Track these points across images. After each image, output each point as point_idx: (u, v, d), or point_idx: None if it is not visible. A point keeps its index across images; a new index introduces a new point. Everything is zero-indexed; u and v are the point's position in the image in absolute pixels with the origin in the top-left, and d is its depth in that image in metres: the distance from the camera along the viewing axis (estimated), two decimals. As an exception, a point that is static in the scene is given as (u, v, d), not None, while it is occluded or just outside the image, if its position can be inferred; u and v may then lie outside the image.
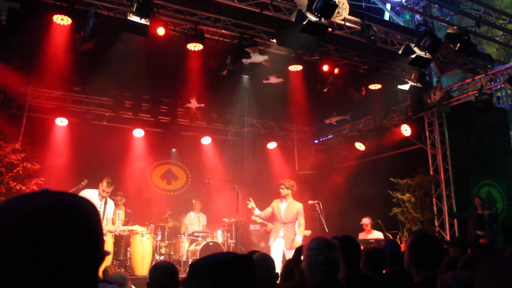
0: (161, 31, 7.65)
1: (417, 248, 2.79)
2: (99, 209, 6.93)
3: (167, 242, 10.16)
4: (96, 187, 8.61)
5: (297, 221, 8.45)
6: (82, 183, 7.89)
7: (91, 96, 10.98)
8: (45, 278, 0.87)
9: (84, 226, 0.94)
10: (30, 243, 0.86)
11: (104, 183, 7.91)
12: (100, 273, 5.45)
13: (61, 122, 10.70)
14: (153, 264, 4.08)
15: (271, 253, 8.06)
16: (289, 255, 8.00)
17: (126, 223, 9.70)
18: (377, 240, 8.55)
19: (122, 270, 8.75)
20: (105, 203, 8.03)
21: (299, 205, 8.54)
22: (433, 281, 2.64)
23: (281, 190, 8.54)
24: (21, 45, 7.94)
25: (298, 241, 8.22)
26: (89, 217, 0.97)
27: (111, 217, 8.28)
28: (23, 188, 8.89)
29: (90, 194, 7.77)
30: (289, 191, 8.51)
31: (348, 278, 3.40)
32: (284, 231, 8.35)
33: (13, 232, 0.87)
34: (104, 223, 7.95)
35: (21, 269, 0.85)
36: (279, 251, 8.29)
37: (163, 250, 10.07)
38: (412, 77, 9.29)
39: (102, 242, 1.00)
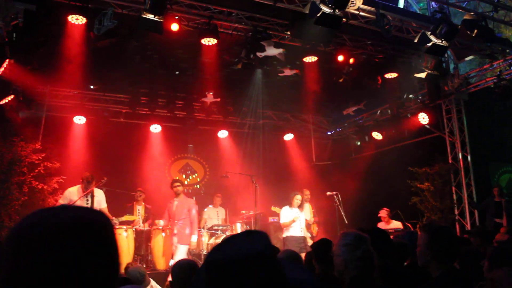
0: (175, 27, 7.65)
1: (438, 243, 2.79)
2: (86, 204, 7.00)
3: (187, 236, 10.24)
4: (115, 184, 8.71)
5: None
6: (102, 181, 7.96)
7: (108, 93, 11.10)
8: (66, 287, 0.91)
9: (102, 239, 1.00)
10: (52, 255, 0.91)
11: (85, 182, 7.91)
12: (122, 270, 5.52)
13: (79, 120, 10.83)
14: (176, 262, 4.11)
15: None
16: (183, 249, 8.26)
17: (146, 219, 9.81)
18: (396, 230, 8.51)
19: (143, 265, 8.87)
20: (92, 196, 7.96)
21: (190, 201, 8.72)
22: (453, 273, 2.64)
23: (178, 188, 8.62)
24: (37, 46, 8.03)
25: (193, 240, 8.52)
26: (106, 230, 1.02)
27: (105, 206, 8.24)
28: (45, 187, 9.05)
29: (71, 192, 7.84)
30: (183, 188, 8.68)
31: (380, 270, 3.43)
32: (177, 228, 8.48)
33: (37, 246, 0.91)
34: None
35: (44, 280, 0.90)
36: (174, 247, 8.49)
37: (183, 245, 10.16)
38: (429, 65, 9.16)
39: (118, 253, 1.04)
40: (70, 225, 0.95)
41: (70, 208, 1.02)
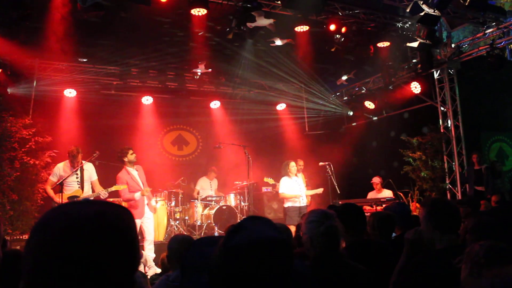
0: (163, -3, 7.50)
1: (437, 215, 2.81)
2: (76, 180, 6.90)
3: (181, 207, 10.36)
4: (108, 157, 8.68)
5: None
6: (94, 154, 7.92)
7: (98, 65, 10.95)
8: (89, 281, 0.95)
9: (123, 233, 1.03)
10: (76, 248, 0.94)
11: (71, 156, 7.68)
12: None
13: (70, 93, 10.71)
14: (172, 236, 4.14)
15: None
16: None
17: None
18: (387, 200, 8.61)
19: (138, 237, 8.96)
20: (82, 170, 7.76)
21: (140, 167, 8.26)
22: (457, 247, 2.65)
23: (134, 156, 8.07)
24: (23, 19, 7.86)
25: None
26: (127, 224, 1.05)
27: (95, 178, 7.98)
28: (37, 162, 9.03)
29: (63, 167, 7.71)
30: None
31: (350, 246, 3.46)
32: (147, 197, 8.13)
33: (60, 239, 0.95)
34: (87, 189, 7.78)
35: (67, 273, 0.94)
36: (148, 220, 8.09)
37: (177, 216, 10.28)
38: (421, 33, 9.07)
39: (138, 247, 1.08)
40: (92, 219, 0.99)
41: (92, 203, 1.05)
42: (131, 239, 1.04)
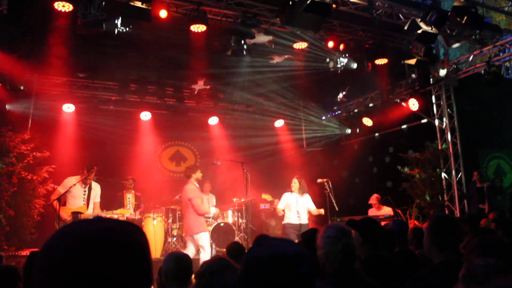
0: (163, 13, 7.56)
1: (438, 230, 2.88)
2: (83, 196, 7.04)
3: (178, 224, 10.28)
4: (105, 172, 8.68)
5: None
6: (92, 170, 7.93)
7: (97, 80, 10.98)
8: None
9: (133, 249, 1.01)
10: (85, 267, 0.93)
11: (85, 170, 7.92)
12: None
13: (68, 108, 10.72)
14: (168, 253, 4.11)
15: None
16: None
17: (136, 207, 9.82)
18: (386, 217, 8.58)
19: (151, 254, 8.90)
20: (89, 189, 8.03)
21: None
22: (454, 263, 2.68)
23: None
24: (23, 34, 7.90)
25: None
26: (138, 241, 1.03)
27: (98, 201, 8.26)
28: (34, 177, 8.99)
29: (72, 181, 7.81)
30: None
31: (366, 260, 3.47)
32: None
33: (66, 258, 0.94)
34: (90, 208, 8.01)
35: None
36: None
37: (174, 232, 10.20)
38: (419, 51, 9.16)
39: (151, 265, 1.05)
40: (101, 236, 0.97)
41: (102, 220, 1.04)
42: (142, 256, 1.02)
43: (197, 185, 8.23)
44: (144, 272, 1.02)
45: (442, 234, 2.84)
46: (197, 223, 7.93)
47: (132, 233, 1.03)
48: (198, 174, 8.22)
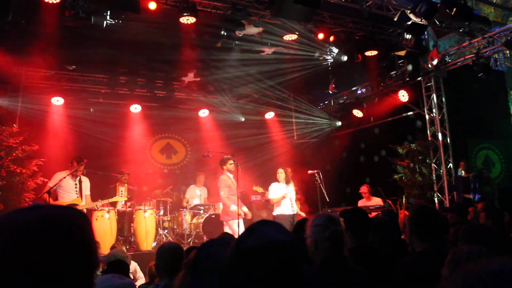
0: (152, 5, 7.50)
1: (416, 220, 2.94)
2: (75, 189, 7.07)
3: (169, 216, 10.28)
4: (96, 165, 8.64)
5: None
6: (82, 163, 7.90)
7: (86, 73, 10.87)
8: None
9: (72, 235, 0.99)
10: (22, 255, 0.91)
11: (74, 163, 7.94)
12: (109, 250, 5.45)
13: (57, 101, 10.62)
14: (160, 244, 4.10)
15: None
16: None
17: (129, 200, 9.78)
18: (376, 208, 8.64)
19: (127, 246, 8.91)
20: (80, 181, 8.08)
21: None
22: (434, 251, 2.74)
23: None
24: (10, 26, 7.80)
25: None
26: (78, 227, 1.01)
27: (88, 193, 8.36)
28: (24, 170, 8.93)
29: (62, 176, 7.84)
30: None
31: (353, 250, 3.49)
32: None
33: (6, 247, 0.92)
34: (82, 201, 8.06)
35: (15, 280, 0.90)
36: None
37: (166, 224, 10.20)
38: (409, 42, 9.17)
39: (94, 249, 1.03)
40: (38, 224, 0.95)
41: (40, 207, 1.02)
42: (83, 241, 1.00)
43: (231, 175, 8.63)
44: (86, 256, 1.00)
45: (420, 224, 2.90)
46: (223, 212, 8.58)
47: (72, 218, 1.01)
48: (229, 165, 8.62)
